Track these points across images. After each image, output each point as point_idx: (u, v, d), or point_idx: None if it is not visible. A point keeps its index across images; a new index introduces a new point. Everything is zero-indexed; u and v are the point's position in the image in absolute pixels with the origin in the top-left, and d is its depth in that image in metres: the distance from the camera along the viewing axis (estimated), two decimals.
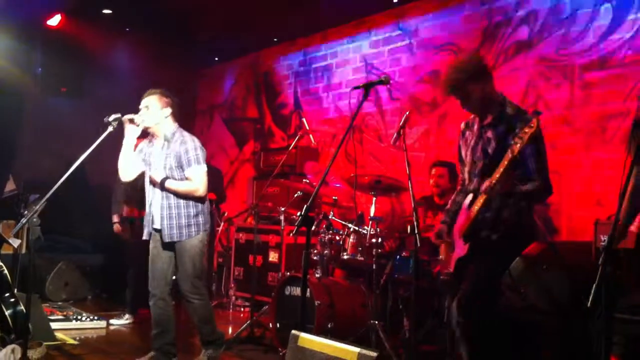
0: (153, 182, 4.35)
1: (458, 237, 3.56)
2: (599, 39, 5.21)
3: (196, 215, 4.34)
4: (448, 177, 5.44)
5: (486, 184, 3.23)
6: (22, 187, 7.34)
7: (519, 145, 3.06)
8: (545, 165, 3.34)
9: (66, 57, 8.04)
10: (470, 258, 3.46)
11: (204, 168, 4.33)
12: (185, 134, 4.41)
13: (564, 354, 4.03)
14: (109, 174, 5.87)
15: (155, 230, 4.35)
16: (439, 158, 5.70)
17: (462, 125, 3.75)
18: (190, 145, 4.31)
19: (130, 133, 4.32)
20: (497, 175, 3.16)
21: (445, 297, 4.49)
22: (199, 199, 4.35)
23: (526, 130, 3.05)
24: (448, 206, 3.81)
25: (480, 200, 3.33)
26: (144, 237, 4.44)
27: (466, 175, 3.65)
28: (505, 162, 3.13)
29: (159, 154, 4.37)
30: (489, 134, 3.48)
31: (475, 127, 3.59)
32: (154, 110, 4.32)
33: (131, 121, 4.29)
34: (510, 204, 3.37)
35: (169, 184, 4.26)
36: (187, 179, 4.29)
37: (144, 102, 4.35)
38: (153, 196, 4.38)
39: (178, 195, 4.29)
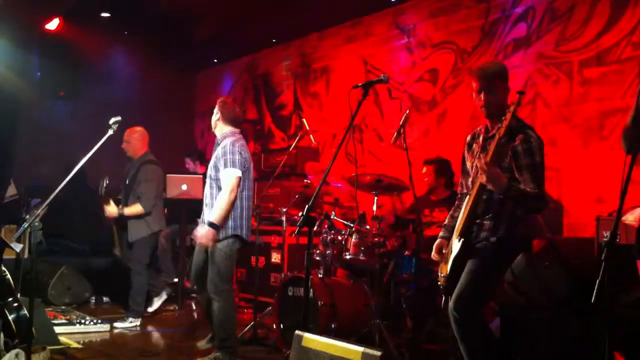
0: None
1: (455, 237, 3.57)
2: (597, 35, 5.22)
3: (227, 218, 4.38)
4: (434, 175, 5.49)
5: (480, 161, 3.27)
6: (23, 191, 7.35)
7: (502, 128, 3.15)
8: (541, 174, 3.34)
9: (64, 61, 8.04)
10: (465, 258, 3.47)
11: (233, 172, 4.36)
12: (231, 138, 4.54)
13: (567, 350, 4.03)
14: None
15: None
16: (438, 156, 5.72)
17: (468, 138, 3.78)
18: (228, 149, 4.42)
19: None
20: (488, 158, 3.22)
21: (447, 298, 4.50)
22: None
23: (511, 109, 3.16)
24: (445, 222, 3.82)
25: (475, 189, 3.36)
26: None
27: (469, 184, 3.66)
28: (493, 145, 3.21)
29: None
30: (492, 146, 3.49)
31: (481, 138, 3.61)
32: (214, 115, 4.71)
33: None
34: (508, 210, 3.40)
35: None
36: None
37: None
38: (209, 194, 4.54)
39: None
